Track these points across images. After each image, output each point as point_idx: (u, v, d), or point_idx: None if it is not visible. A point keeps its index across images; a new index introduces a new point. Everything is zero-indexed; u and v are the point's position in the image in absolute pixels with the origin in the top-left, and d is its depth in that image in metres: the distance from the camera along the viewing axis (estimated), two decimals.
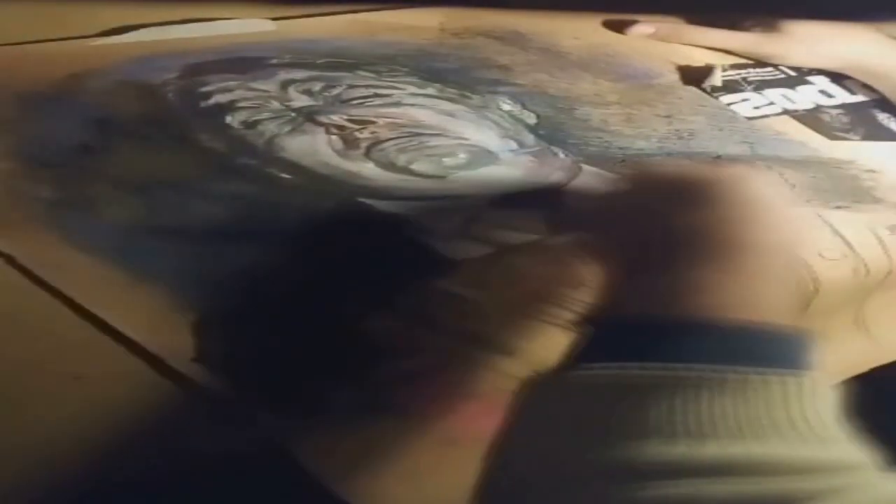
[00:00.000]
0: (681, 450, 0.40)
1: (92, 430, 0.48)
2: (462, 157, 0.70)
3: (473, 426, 0.54)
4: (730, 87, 0.88)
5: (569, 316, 0.56)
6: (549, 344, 0.56)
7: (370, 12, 0.89)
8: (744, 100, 0.87)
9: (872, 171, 0.78)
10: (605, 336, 0.46)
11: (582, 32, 0.93)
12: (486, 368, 0.55)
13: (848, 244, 0.67)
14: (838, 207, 0.72)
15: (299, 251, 0.59)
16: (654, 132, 0.78)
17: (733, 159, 0.76)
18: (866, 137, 0.86)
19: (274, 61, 0.78)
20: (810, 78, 0.93)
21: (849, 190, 0.74)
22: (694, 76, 0.88)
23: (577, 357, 0.46)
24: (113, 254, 0.57)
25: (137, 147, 0.67)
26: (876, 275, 0.67)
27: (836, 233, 0.68)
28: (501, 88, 0.81)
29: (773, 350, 0.44)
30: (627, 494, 0.39)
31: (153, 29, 0.80)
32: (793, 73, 0.93)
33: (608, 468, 0.40)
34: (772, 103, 0.87)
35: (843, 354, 0.68)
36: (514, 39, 0.90)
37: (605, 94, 0.83)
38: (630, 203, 0.55)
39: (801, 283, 0.51)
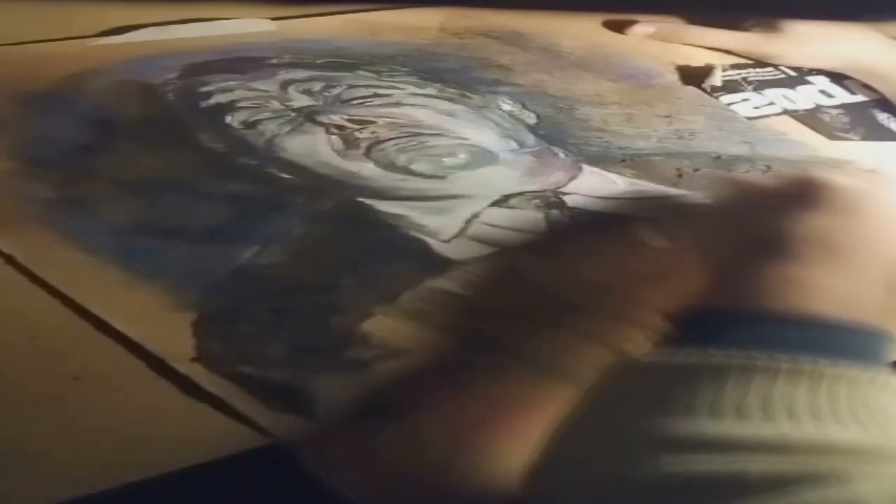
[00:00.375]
0: (744, 430, 0.41)
1: (91, 431, 0.48)
2: (462, 157, 0.70)
3: (474, 426, 0.54)
4: (730, 87, 0.88)
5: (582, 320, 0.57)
6: (553, 343, 0.56)
7: (370, 12, 0.89)
8: (744, 100, 0.87)
9: (872, 171, 0.78)
10: (690, 326, 0.48)
11: (582, 32, 0.93)
12: (487, 368, 0.55)
13: None
14: None
15: (299, 251, 0.59)
16: (655, 132, 0.78)
17: (735, 159, 0.76)
18: (866, 137, 0.86)
19: (274, 61, 0.78)
20: (810, 78, 0.93)
21: None
22: (694, 76, 0.88)
23: (664, 345, 0.48)
24: (113, 254, 0.57)
25: (137, 147, 0.67)
26: None
27: None
28: (501, 88, 0.81)
29: (850, 344, 0.46)
30: (687, 466, 0.41)
31: (153, 29, 0.80)
32: (793, 73, 0.93)
33: (671, 442, 0.42)
34: (772, 103, 0.87)
35: None
36: (514, 39, 0.90)
37: (606, 94, 0.83)
38: (744, 204, 0.56)
39: None
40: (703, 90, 0.86)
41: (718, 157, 0.76)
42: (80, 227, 0.58)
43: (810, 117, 0.86)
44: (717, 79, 0.87)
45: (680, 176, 0.72)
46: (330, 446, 0.50)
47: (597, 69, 0.87)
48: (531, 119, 0.77)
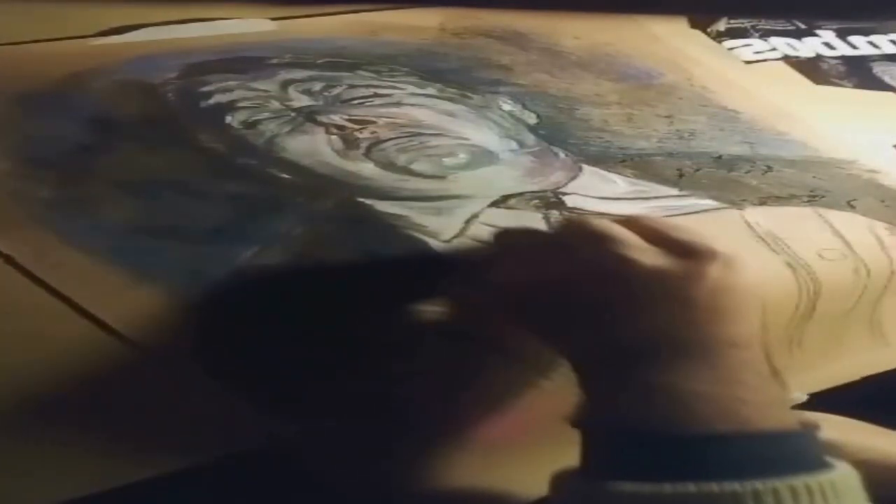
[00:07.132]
0: None
1: (90, 432, 0.48)
2: (462, 157, 0.70)
3: (474, 427, 0.54)
4: (734, 32, 0.90)
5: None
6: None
7: (370, 12, 0.89)
8: (746, 45, 0.91)
9: (873, 171, 0.78)
10: (613, 447, 0.46)
11: (582, 32, 0.93)
12: (487, 369, 0.55)
13: (848, 245, 0.67)
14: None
15: (299, 251, 0.59)
16: (655, 132, 0.78)
17: (735, 159, 0.76)
18: (858, 86, 0.90)
19: (274, 61, 0.78)
20: (818, 31, 0.96)
21: (849, 190, 0.74)
22: (701, 22, 0.91)
23: (596, 467, 0.47)
24: (113, 254, 0.57)
25: (137, 147, 0.67)
26: (877, 275, 0.67)
27: (837, 233, 0.68)
28: (502, 88, 0.81)
29: (786, 455, 0.44)
30: None
31: (153, 29, 0.80)
32: (802, 26, 0.96)
33: None
34: (773, 49, 0.91)
35: (859, 358, 0.68)
36: (514, 39, 0.90)
37: (606, 94, 0.83)
38: (579, 297, 0.51)
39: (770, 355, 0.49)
40: (708, 34, 0.88)
41: (719, 157, 0.76)
42: (80, 227, 0.58)
43: (808, 64, 0.91)
44: (721, 24, 0.90)
45: (681, 176, 0.72)
46: (330, 447, 0.50)
47: (597, 69, 0.87)
48: (531, 119, 0.77)
